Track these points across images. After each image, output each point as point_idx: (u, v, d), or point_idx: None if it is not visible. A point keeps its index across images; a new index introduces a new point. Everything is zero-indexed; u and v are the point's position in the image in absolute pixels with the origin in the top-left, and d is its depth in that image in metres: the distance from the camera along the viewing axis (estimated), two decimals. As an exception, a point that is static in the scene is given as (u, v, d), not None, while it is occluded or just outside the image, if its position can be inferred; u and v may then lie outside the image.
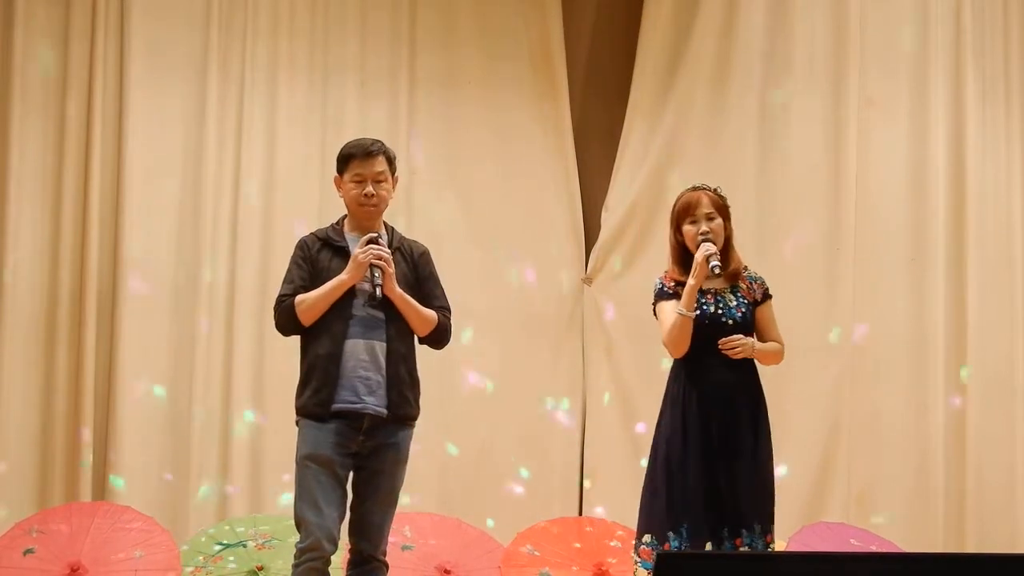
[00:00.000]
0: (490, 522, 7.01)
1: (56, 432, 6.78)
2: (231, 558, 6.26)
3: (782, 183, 7.48)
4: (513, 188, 7.54)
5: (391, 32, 7.42)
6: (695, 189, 5.27)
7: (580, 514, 7.27)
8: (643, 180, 7.46)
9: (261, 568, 6.17)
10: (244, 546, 6.32)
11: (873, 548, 6.73)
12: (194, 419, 6.91)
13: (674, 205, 5.28)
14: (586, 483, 7.40)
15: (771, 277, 7.29)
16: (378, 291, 4.83)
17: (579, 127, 7.64)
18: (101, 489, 6.80)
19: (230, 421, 6.99)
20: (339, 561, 5.00)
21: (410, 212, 7.34)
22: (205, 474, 6.93)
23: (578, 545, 6.63)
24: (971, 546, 7.17)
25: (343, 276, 4.84)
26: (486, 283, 7.44)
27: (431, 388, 7.18)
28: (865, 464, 7.31)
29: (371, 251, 4.85)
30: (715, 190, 5.27)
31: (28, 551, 6.15)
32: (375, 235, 4.91)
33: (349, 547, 4.94)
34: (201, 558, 6.26)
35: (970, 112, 7.46)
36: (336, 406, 4.82)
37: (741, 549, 5.00)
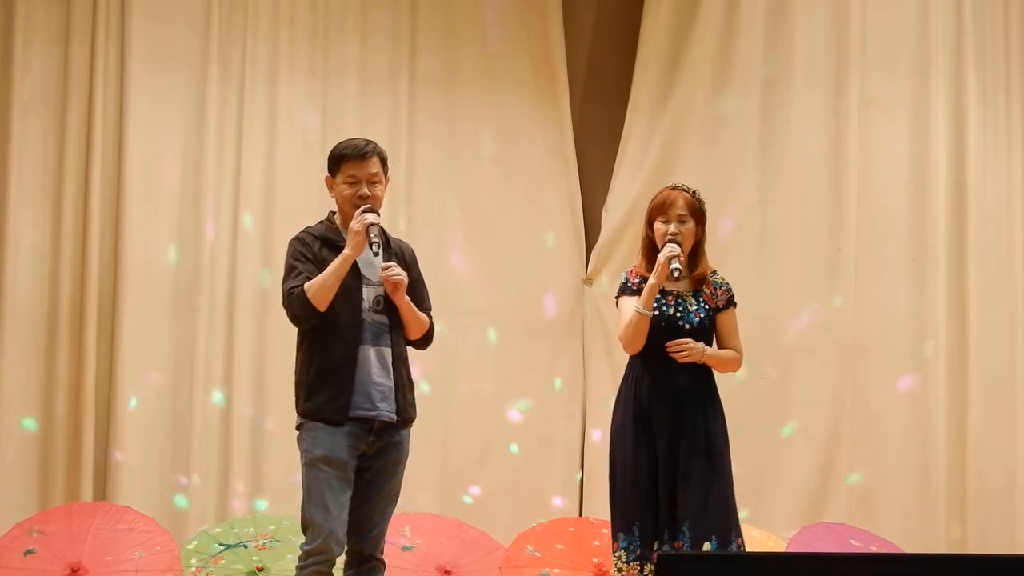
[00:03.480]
0: (490, 522, 7.00)
1: (57, 432, 6.78)
2: (232, 558, 6.26)
3: (783, 183, 7.48)
4: (513, 188, 7.54)
5: (391, 32, 7.41)
6: (674, 188, 5.28)
7: (581, 514, 7.27)
8: (643, 181, 7.45)
9: (262, 569, 6.17)
10: (245, 546, 6.32)
11: (874, 549, 6.73)
12: (194, 419, 6.91)
13: (652, 201, 5.28)
14: (586, 483, 7.39)
15: (772, 277, 7.37)
16: (374, 247, 4.78)
17: (579, 127, 7.64)
18: (102, 489, 6.80)
19: (231, 421, 6.99)
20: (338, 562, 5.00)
21: (410, 212, 7.34)
22: (205, 474, 6.93)
23: (578, 545, 6.62)
24: (972, 547, 7.17)
25: (346, 251, 4.82)
26: (486, 283, 7.44)
27: (432, 388, 7.24)
28: (866, 465, 7.31)
29: (363, 219, 4.83)
30: (693, 192, 5.27)
31: (29, 552, 6.15)
32: (367, 205, 4.88)
33: (347, 547, 4.94)
34: (202, 558, 6.25)
35: (971, 111, 7.46)
36: (352, 412, 4.82)
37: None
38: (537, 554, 6.52)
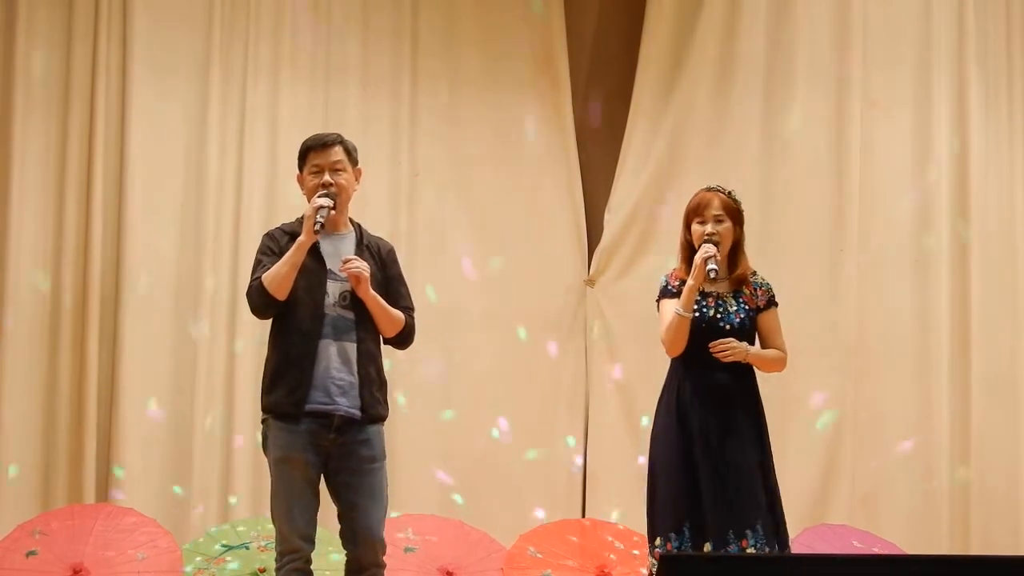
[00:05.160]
0: (492, 524, 7.00)
1: (59, 434, 6.78)
2: (233, 559, 6.26)
3: (785, 184, 7.47)
4: (515, 189, 7.54)
5: (393, 33, 7.42)
6: (709, 190, 5.29)
7: (583, 516, 7.26)
8: (646, 181, 7.45)
9: (263, 570, 6.18)
10: (246, 547, 6.33)
11: (876, 550, 6.73)
12: (196, 421, 6.92)
13: (688, 204, 5.29)
14: (588, 485, 7.38)
15: (774, 278, 7.28)
16: (317, 226, 4.77)
17: (581, 128, 7.63)
18: (104, 491, 6.80)
19: (232, 423, 6.99)
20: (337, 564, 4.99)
21: (412, 213, 7.34)
22: (207, 475, 6.93)
23: (580, 546, 6.62)
24: (975, 548, 7.16)
25: (300, 238, 4.83)
26: (488, 284, 7.44)
27: (433, 390, 7.23)
28: (869, 466, 7.30)
29: (314, 202, 4.84)
30: (729, 193, 5.28)
31: (31, 553, 6.16)
32: (323, 191, 4.89)
33: (346, 556, 4.93)
34: (203, 560, 6.26)
35: (973, 113, 7.45)
36: (308, 406, 4.82)
37: (748, 551, 5.00)
38: (539, 555, 6.52)
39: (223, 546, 6.33)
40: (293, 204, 7.04)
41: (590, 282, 7.54)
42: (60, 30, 6.93)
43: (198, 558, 6.27)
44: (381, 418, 4.95)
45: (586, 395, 7.48)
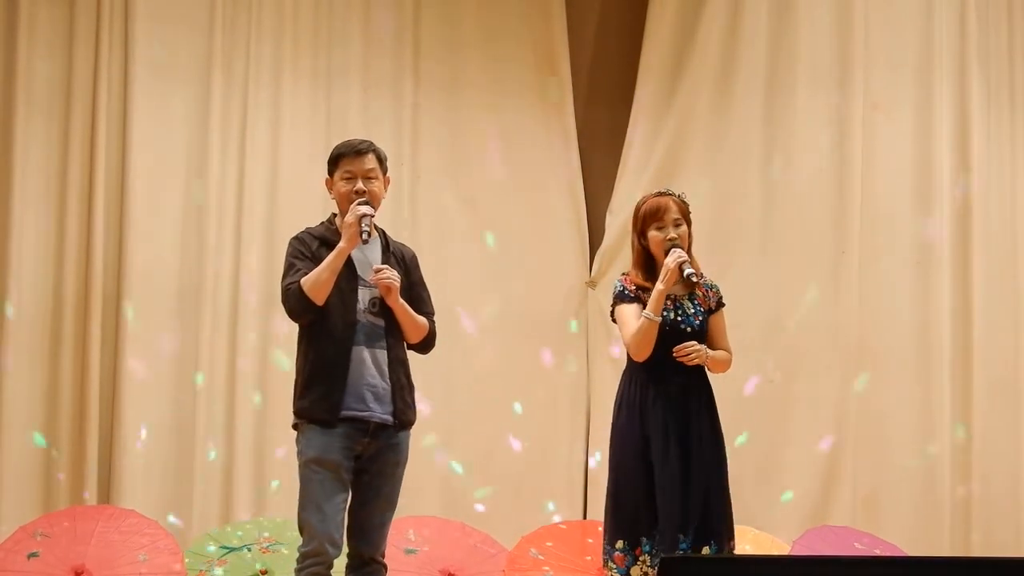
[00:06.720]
0: (494, 525, 7.00)
1: (61, 435, 6.78)
2: (235, 561, 6.26)
3: (786, 186, 7.47)
4: (517, 191, 7.54)
5: (395, 35, 7.42)
6: (661, 194, 5.30)
7: (584, 518, 7.26)
8: (647, 183, 7.43)
9: (265, 572, 6.19)
10: (248, 549, 6.33)
11: (878, 552, 6.73)
12: (197, 423, 6.91)
13: (638, 209, 5.30)
14: (590, 487, 7.38)
15: (775, 280, 7.37)
16: (363, 235, 4.80)
17: (582, 130, 7.64)
18: (105, 492, 6.80)
19: (234, 424, 6.98)
20: (339, 564, 4.99)
21: (414, 216, 7.34)
22: (209, 478, 6.93)
23: (582, 548, 6.62)
24: (976, 549, 7.16)
25: (340, 244, 4.84)
26: (490, 286, 7.44)
27: (435, 392, 7.23)
28: (871, 468, 7.29)
29: (356, 210, 4.85)
30: (680, 196, 5.29)
31: (32, 555, 6.16)
32: (362, 199, 4.90)
33: (348, 550, 4.94)
34: (205, 561, 6.26)
35: (975, 115, 7.45)
36: (344, 413, 4.83)
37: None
38: (540, 557, 6.52)
39: (225, 548, 6.33)
40: (294, 206, 7.10)
41: (592, 284, 7.54)
42: (62, 31, 6.93)
43: (199, 559, 6.27)
44: (411, 423, 4.99)
45: (588, 396, 7.48)
